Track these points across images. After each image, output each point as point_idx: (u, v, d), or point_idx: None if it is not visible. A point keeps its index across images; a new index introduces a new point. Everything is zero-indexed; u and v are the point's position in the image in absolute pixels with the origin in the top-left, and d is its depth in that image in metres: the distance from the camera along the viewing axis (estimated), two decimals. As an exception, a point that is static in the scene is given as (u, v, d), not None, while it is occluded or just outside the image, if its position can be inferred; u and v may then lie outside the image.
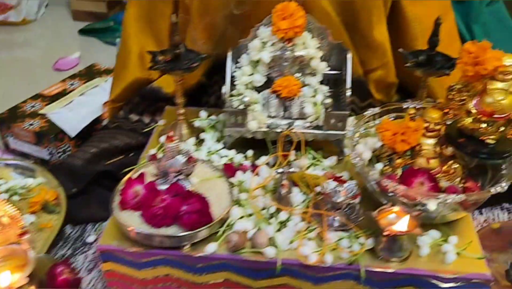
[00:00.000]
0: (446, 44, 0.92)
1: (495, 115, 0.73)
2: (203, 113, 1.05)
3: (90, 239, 0.99)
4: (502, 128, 0.74)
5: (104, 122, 1.27)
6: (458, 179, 0.80)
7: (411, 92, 1.05)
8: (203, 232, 0.74)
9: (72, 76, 1.40)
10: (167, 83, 1.15)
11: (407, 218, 0.70)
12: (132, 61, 1.18)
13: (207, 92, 1.18)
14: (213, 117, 1.04)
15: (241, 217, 0.80)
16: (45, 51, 1.80)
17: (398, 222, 0.71)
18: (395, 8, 1.03)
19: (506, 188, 0.72)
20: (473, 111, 0.74)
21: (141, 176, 0.79)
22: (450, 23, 1.17)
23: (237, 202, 0.82)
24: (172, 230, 0.74)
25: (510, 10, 1.49)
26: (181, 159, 0.77)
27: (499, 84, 0.72)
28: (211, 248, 0.75)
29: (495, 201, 1.08)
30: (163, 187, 0.78)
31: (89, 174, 1.07)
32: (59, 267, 0.77)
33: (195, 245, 0.76)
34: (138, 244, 0.76)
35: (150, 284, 0.80)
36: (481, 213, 1.06)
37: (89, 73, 1.41)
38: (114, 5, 1.97)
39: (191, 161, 0.77)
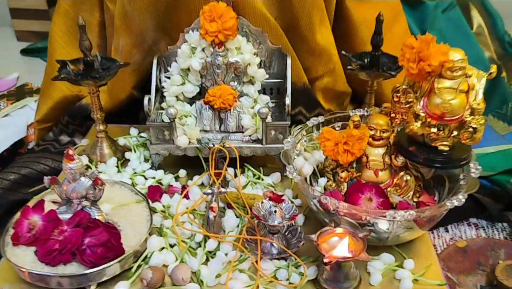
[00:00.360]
0: (399, 49, 0.84)
1: (446, 118, 0.64)
2: (133, 131, 0.95)
3: None
4: (455, 133, 0.65)
5: (31, 146, 1.14)
6: (411, 193, 0.70)
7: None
8: (111, 269, 0.62)
9: (1, 97, 1.27)
10: (98, 99, 1.04)
11: (347, 240, 0.59)
12: (59, 77, 1.06)
13: (144, 109, 1.06)
14: (144, 134, 0.93)
15: (161, 249, 0.67)
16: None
17: (340, 246, 0.60)
18: (341, 11, 0.95)
19: (463, 200, 0.62)
20: (422, 114, 0.65)
21: (40, 203, 0.66)
22: (402, 27, 1.10)
23: (159, 231, 0.70)
24: (72, 268, 0.61)
25: (466, 15, 1.44)
26: (86, 181, 0.65)
27: (447, 83, 0.63)
28: (121, 287, 0.62)
29: (461, 216, 0.98)
30: (66, 217, 0.65)
31: (5, 203, 0.94)
32: None
33: (102, 285, 0.63)
34: (34, 287, 0.62)
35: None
36: (446, 230, 0.96)
37: (19, 93, 1.29)
38: (59, 24, 1.86)
39: (97, 184, 0.65)
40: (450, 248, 0.85)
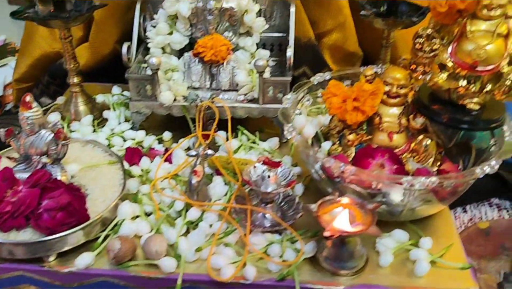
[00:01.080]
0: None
1: (479, 68, 0.53)
2: (115, 89, 0.85)
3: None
4: (488, 87, 0.54)
5: (8, 107, 1.05)
6: (432, 160, 0.59)
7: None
8: (73, 237, 0.52)
9: (-21, 56, 1.17)
10: (80, 55, 0.93)
11: (353, 212, 0.49)
12: (39, 33, 0.98)
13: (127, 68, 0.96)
14: (127, 93, 0.83)
15: (135, 218, 0.58)
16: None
17: (344, 217, 0.49)
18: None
19: (496, 167, 0.51)
20: (449, 64, 0.54)
21: (-5, 161, 0.57)
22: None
23: (133, 197, 0.60)
24: (27, 235, 0.52)
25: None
26: (46, 135, 0.55)
27: (483, 25, 0.52)
28: (84, 260, 0.52)
29: (482, 196, 0.88)
30: (23, 176, 0.55)
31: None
32: None
33: (62, 257, 0.53)
34: (-16, 256, 0.53)
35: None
36: (464, 211, 0.86)
37: (1, 52, 1.19)
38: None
39: (59, 138, 0.55)
40: (471, 229, 0.75)
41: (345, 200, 0.52)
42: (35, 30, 0.97)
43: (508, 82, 0.53)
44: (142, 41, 0.78)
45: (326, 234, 0.48)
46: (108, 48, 0.89)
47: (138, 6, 0.74)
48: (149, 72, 0.74)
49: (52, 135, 0.55)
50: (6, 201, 0.53)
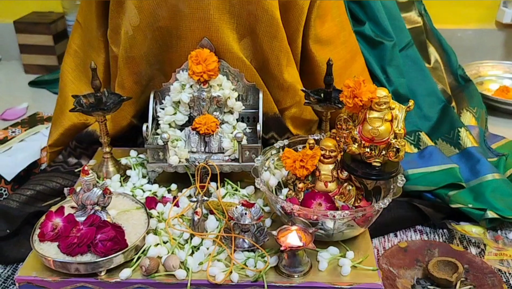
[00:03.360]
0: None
1: (375, 140, 0.83)
2: (133, 152, 1.13)
3: (20, 277, 1.01)
4: (383, 152, 0.84)
5: (43, 167, 1.32)
6: (353, 199, 0.89)
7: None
8: (117, 258, 0.79)
9: (15, 125, 1.45)
10: (101, 127, 1.22)
11: (299, 233, 0.78)
12: (69, 108, 1.24)
13: (141, 134, 1.25)
14: (142, 155, 1.12)
15: (157, 245, 0.85)
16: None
17: (295, 238, 0.78)
18: (306, 53, 1.15)
19: (387, 203, 0.81)
20: (357, 138, 0.84)
21: (61, 209, 0.84)
22: (360, 65, 1.31)
23: (154, 231, 0.88)
24: (87, 258, 0.79)
25: (424, 52, 1.66)
26: (97, 191, 0.83)
27: (376, 114, 0.83)
28: (125, 273, 0.80)
29: (408, 224, 1.17)
30: (81, 219, 0.83)
31: (23, 214, 1.11)
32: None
33: (110, 272, 0.80)
34: (56, 274, 0.80)
35: (70, 314, 0.83)
36: (396, 236, 1.15)
37: (32, 121, 1.47)
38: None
39: (107, 193, 0.84)
40: (394, 247, 1.04)
41: (294, 227, 0.81)
42: (66, 106, 1.25)
43: (394, 149, 0.83)
44: (154, 119, 1.07)
45: (282, 248, 0.76)
46: (126, 122, 1.18)
47: (152, 95, 1.04)
48: (160, 142, 1.03)
49: (101, 191, 0.84)
50: (72, 236, 0.80)
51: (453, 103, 1.57)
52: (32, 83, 1.97)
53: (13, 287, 1.00)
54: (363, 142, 0.84)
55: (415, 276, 0.99)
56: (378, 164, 0.85)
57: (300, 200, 0.89)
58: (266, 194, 0.87)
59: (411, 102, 0.83)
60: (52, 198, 1.19)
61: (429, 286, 0.96)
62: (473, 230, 1.14)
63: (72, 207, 0.85)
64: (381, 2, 1.52)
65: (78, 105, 0.95)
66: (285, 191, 0.92)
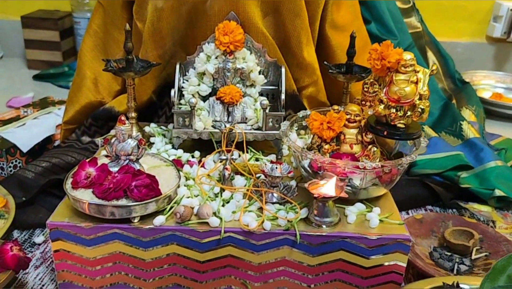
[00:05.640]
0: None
1: (402, 101, 0.87)
2: (153, 124, 1.15)
3: (38, 240, 1.00)
4: (408, 113, 0.88)
5: (57, 143, 1.32)
6: (377, 160, 0.92)
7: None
8: (151, 205, 0.80)
9: (26, 106, 1.45)
10: (119, 103, 1.24)
11: (333, 182, 0.81)
12: (86, 86, 1.27)
13: (157, 113, 1.27)
14: (162, 127, 1.14)
15: (188, 197, 0.87)
16: (-2, 94, 1.84)
17: (326, 188, 0.81)
18: (322, 37, 1.21)
19: (415, 158, 0.85)
20: (384, 99, 0.88)
21: (94, 160, 0.85)
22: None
23: (185, 185, 0.89)
24: (123, 202, 0.79)
25: (423, 56, 1.74)
26: (132, 142, 0.84)
27: (402, 76, 0.87)
28: (159, 220, 0.80)
29: (419, 203, 1.21)
30: (115, 169, 0.84)
31: (39, 184, 1.11)
32: (8, 244, 0.79)
33: (144, 219, 0.81)
34: (89, 220, 0.80)
35: (99, 264, 0.83)
36: (407, 213, 1.18)
37: (43, 104, 1.48)
38: (70, 55, 2.08)
39: (141, 144, 0.85)
40: (410, 218, 1.07)
41: (324, 180, 0.84)
42: (83, 84, 1.27)
43: (419, 110, 0.87)
44: (178, 90, 1.10)
45: (316, 195, 0.79)
46: (146, 96, 1.20)
47: (177, 66, 1.07)
48: (185, 108, 1.06)
49: (136, 142, 0.85)
50: (108, 182, 0.81)
51: (454, 101, 1.65)
52: (37, 77, 1.98)
53: (30, 249, 0.99)
54: (390, 103, 0.88)
55: (431, 244, 1.02)
56: (403, 125, 0.89)
57: (326, 160, 0.91)
58: (296, 152, 0.89)
59: (434, 66, 0.88)
60: (67, 171, 1.18)
61: (446, 252, 0.98)
62: (482, 209, 1.18)
63: (107, 156, 0.86)
64: (386, 4, 1.61)
65: (109, 66, 0.97)
66: (309, 154, 0.95)
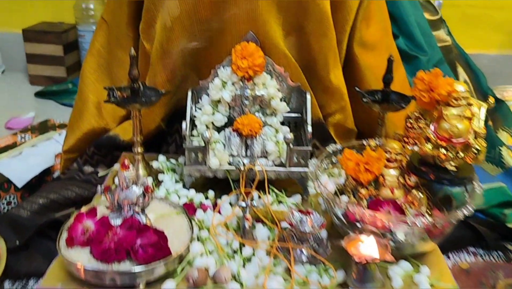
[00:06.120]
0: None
1: (453, 140, 0.74)
2: (161, 158, 1.02)
3: (31, 294, 0.88)
4: (461, 154, 0.75)
5: (56, 174, 1.20)
6: (424, 208, 0.79)
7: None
8: (160, 268, 0.68)
9: (24, 130, 1.34)
10: (124, 131, 1.12)
11: (375, 241, 0.67)
12: (88, 111, 1.15)
13: (166, 141, 1.15)
14: (172, 160, 1.01)
15: (202, 255, 0.74)
16: (-3, 113, 1.73)
17: (368, 248, 0.67)
18: (349, 57, 1.08)
19: (472, 211, 0.71)
20: (432, 137, 0.75)
21: (93, 210, 0.73)
22: (401, 75, 1.24)
23: (198, 239, 0.77)
24: (126, 266, 0.67)
25: (453, 72, 1.61)
26: (137, 189, 0.72)
27: (454, 110, 0.74)
28: (169, 285, 0.68)
29: (461, 245, 1.07)
30: (117, 222, 0.72)
31: (34, 224, 0.99)
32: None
33: (151, 284, 0.68)
34: (86, 285, 0.68)
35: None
36: (448, 257, 1.04)
37: (42, 128, 1.37)
38: (74, 70, 1.96)
39: (148, 191, 0.72)
40: (454, 268, 0.93)
41: (364, 236, 0.71)
42: (85, 108, 1.15)
43: (474, 150, 0.74)
44: (190, 120, 0.97)
45: (357, 259, 0.66)
46: (154, 124, 1.08)
47: (190, 93, 0.94)
48: (196, 143, 0.93)
49: (142, 190, 0.73)
50: (109, 239, 0.68)
51: (490, 122, 1.51)
52: (39, 94, 1.87)
53: (22, 305, 0.87)
54: (439, 142, 0.74)
55: (481, 299, 0.88)
56: (453, 168, 0.75)
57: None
58: (328, 200, 0.76)
59: (491, 99, 0.75)
60: (67, 207, 1.07)
61: (501, 312, 0.85)
62: (533, 252, 1.04)
63: (108, 207, 0.74)
64: (415, 17, 1.48)
65: (112, 97, 0.85)
66: (344, 198, 0.82)
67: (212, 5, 0.95)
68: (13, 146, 1.24)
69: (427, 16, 1.59)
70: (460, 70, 1.66)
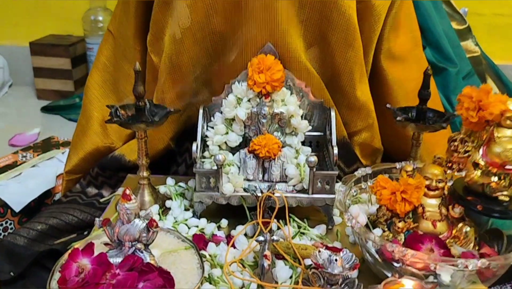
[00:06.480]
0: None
1: (507, 166, 0.63)
2: (170, 181, 0.93)
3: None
4: (515, 183, 0.64)
5: (57, 197, 1.12)
6: (471, 245, 0.68)
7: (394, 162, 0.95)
8: (165, 317, 0.58)
9: (25, 149, 1.26)
10: (130, 150, 1.04)
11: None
12: (92, 128, 1.07)
13: (176, 161, 1.06)
14: (181, 184, 0.92)
15: (214, 298, 0.64)
16: (3, 129, 1.67)
17: (411, 295, 0.57)
18: (376, 70, 0.98)
19: (533, 251, 0.60)
20: (482, 163, 0.65)
21: (89, 246, 0.63)
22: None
23: (209, 279, 0.67)
24: (125, 315, 0.57)
25: (483, 83, 1.50)
26: (140, 223, 0.63)
27: (508, 131, 0.64)
28: (175, 338, 0.58)
29: (505, 278, 0.95)
30: (117, 260, 0.62)
31: (31, 254, 0.90)
32: None
33: (154, 336, 0.58)
34: (79, 337, 0.58)
35: None
36: (489, 293, 0.93)
37: (45, 146, 1.28)
38: (82, 84, 1.89)
39: (152, 226, 0.63)
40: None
41: (405, 280, 0.60)
42: (89, 126, 1.07)
43: (532, 178, 0.63)
44: (201, 140, 0.88)
45: (398, 311, 0.55)
46: (163, 144, 0.99)
47: (201, 111, 0.85)
48: (207, 166, 0.84)
49: (145, 224, 0.63)
50: (107, 283, 0.59)
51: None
52: (45, 109, 1.81)
53: None
54: (490, 168, 0.64)
55: None
56: (507, 198, 0.65)
57: (401, 243, 0.68)
58: (358, 237, 0.66)
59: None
60: (67, 234, 0.99)
61: None
62: None
63: (106, 244, 0.65)
64: (442, 27, 1.38)
65: (115, 116, 0.76)
66: (376, 231, 0.71)
67: (226, 15, 0.86)
68: (13, 165, 1.16)
69: (454, 25, 1.49)
70: (490, 82, 1.56)
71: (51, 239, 0.96)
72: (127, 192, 0.63)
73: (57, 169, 1.12)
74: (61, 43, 1.83)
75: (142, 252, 0.63)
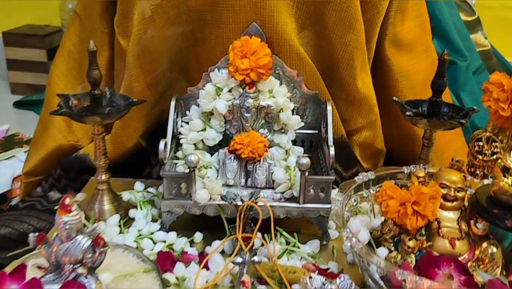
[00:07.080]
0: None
1: (547, 173, 0.51)
2: (138, 185, 0.80)
3: None
4: (555, 193, 0.51)
5: (14, 202, 0.99)
6: (499, 270, 0.55)
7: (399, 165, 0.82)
8: None
9: (-16, 147, 1.13)
10: (96, 149, 0.90)
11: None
12: (55, 124, 0.94)
13: (150, 163, 0.93)
14: (151, 189, 0.78)
15: (177, 336, 0.51)
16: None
17: None
18: (379, 59, 0.86)
19: None
20: (513, 167, 0.52)
21: (20, 270, 0.50)
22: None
23: (173, 311, 0.53)
24: None
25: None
26: (84, 241, 0.49)
27: (548, 129, 0.51)
28: None
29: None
30: (54, 287, 0.49)
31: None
32: None
33: None
34: None
35: None
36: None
37: (7, 143, 1.16)
38: (58, 77, 1.77)
39: (99, 245, 0.50)
40: None
41: (419, 316, 0.47)
42: (51, 122, 0.94)
43: None
44: (173, 137, 0.75)
45: None
46: (132, 142, 0.86)
47: (173, 103, 0.72)
48: (181, 169, 0.71)
49: (90, 241, 0.50)
50: (34, 320, 0.46)
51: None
52: (17, 104, 1.69)
53: None
54: (525, 175, 0.51)
55: None
56: (544, 212, 0.52)
57: (411, 266, 0.55)
58: (359, 259, 0.53)
59: None
60: (23, 245, 0.86)
61: None
62: None
63: (40, 268, 0.51)
64: (450, 16, 1.26)
65: (65, 106, 0.63)
66: (380, 251, 0.58)
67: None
68: (-31, 165, 1.02)
69: (462, 16, 1.37)
70: (501, 79, 1.43)
71: (3, 251, 0.84)
72: (67, 201, 0.49)
73: (14, 170, 0.99)
74: (37, 33, 1.72)
75: (86, 278, 0.50)
